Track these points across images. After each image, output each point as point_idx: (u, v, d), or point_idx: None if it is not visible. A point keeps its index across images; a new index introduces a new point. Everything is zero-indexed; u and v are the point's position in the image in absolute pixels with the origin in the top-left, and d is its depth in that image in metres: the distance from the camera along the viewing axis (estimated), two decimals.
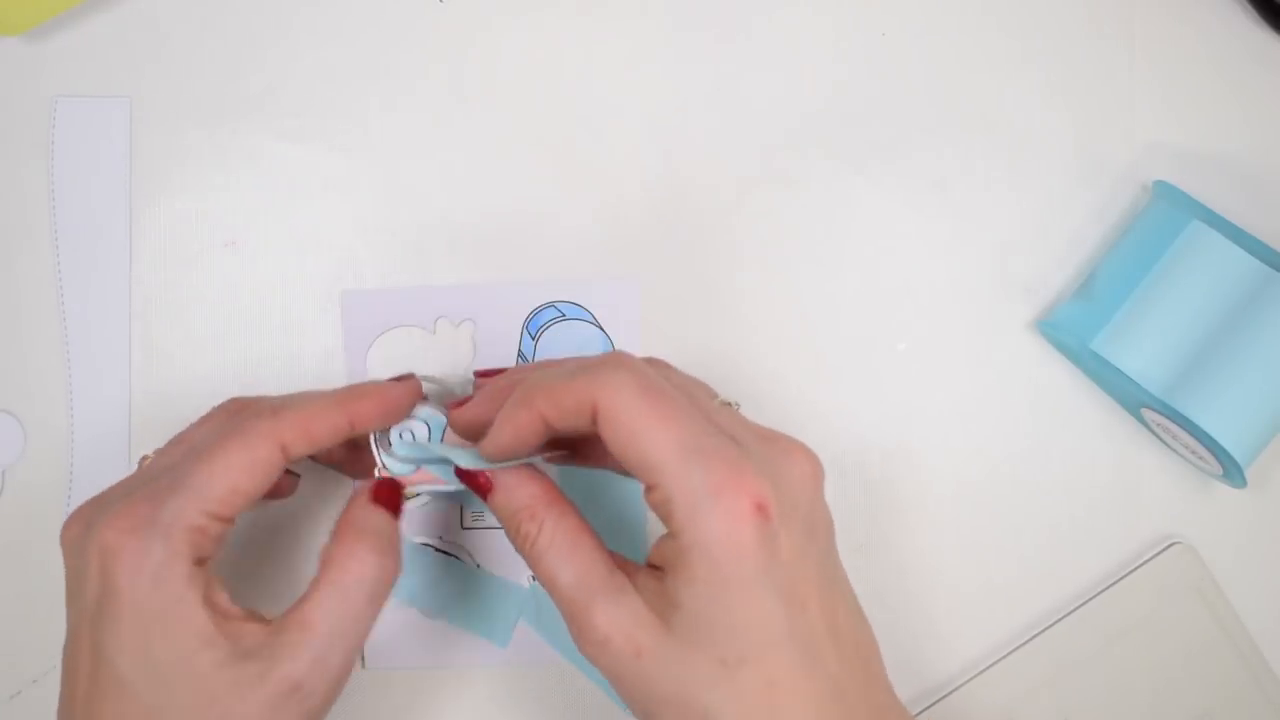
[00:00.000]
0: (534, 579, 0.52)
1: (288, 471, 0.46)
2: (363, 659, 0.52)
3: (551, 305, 0.52)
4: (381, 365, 0.52)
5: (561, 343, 0.51)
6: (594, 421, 0.38)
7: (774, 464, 0.38)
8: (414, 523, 0.52)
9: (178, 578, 0.38)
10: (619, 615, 0.37)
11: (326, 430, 0.42)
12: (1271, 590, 0.52)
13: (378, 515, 0.42)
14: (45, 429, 0.52)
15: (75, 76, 0.52)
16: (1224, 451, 0.47)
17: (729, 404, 0.41)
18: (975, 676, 0.51)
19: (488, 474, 0.41)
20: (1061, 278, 0.53)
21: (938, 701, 0.51)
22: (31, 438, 0.52)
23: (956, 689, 0.51)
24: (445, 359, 0.52)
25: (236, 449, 0.40)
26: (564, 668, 0.52)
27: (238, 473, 0.40)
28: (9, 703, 0.51)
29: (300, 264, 0.52)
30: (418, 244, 0.52)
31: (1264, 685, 0.51)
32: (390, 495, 0.43)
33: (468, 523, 0.52)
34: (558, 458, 0.45)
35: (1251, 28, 0.54)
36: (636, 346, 0.52)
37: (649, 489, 0.37)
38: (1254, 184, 0.53)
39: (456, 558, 0.52)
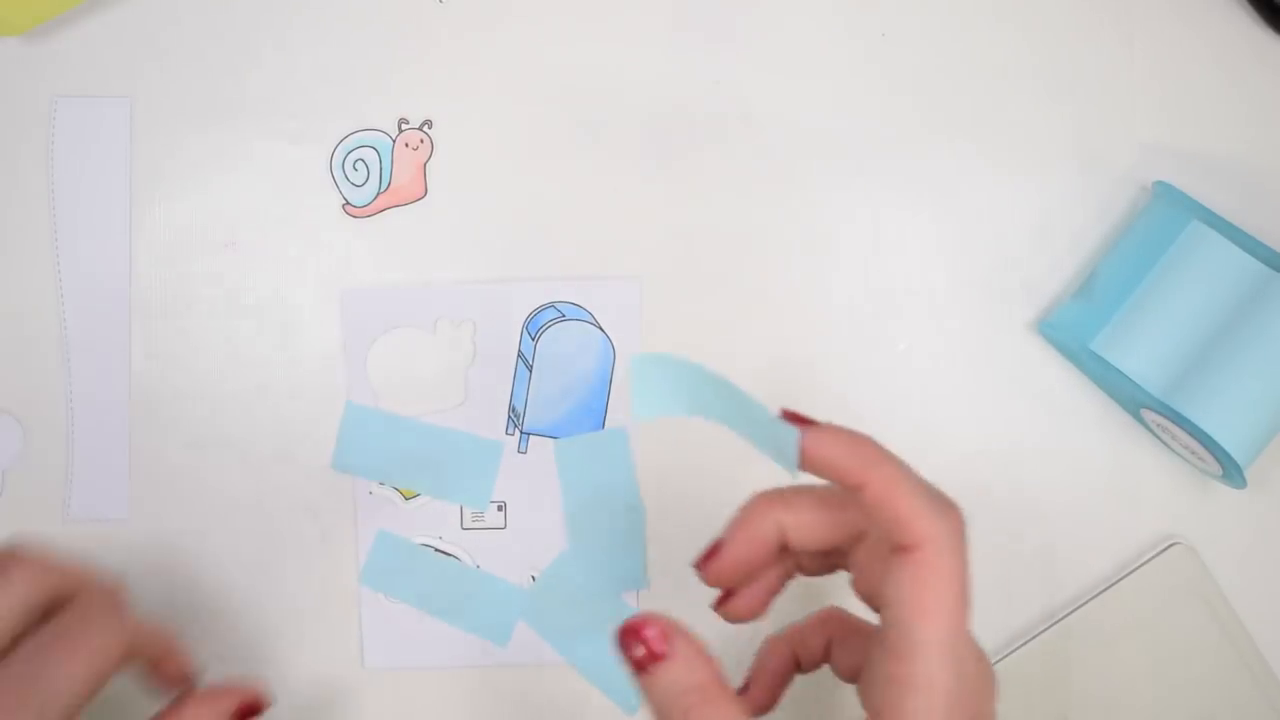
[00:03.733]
0: (534, 578, 0.52)
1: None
2: (362, 659, 0.52)
3: (551, 305, 0.52)
4: (382, 366, 0.52)
5: (561, 343, 0.51)
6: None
7: (984, 681, 0.37)
8: (414, 523, 0.52)
9: None
10: None
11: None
12: (1272, 591, 0.52)
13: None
14: (45, 429, 0.52)
15: (75, 76, 0.52)
16: (1224, 452, 0.47)
17: None
18: None
19: (662, 641, 0.36)
20: (1061, 278, 0.53)
21: None
22: (31, 438, 0.52)
23: None
24: (444, 359, 0.52)
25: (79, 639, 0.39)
26: (563, 668, 0.52)
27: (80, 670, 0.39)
28: None
29: (300, 264, 0.52)
30: (417, 244, 0.52)
31: (1264, 686, 0.51)
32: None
33: (467, 523, 0.52)
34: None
35: (1251, 28, 0.54)
36: (636, 347, 0.52)
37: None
38: (1254, 184, 0.53)
39: (456, 558, 0.52)
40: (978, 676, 0.36)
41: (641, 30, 0.53)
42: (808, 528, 0.39)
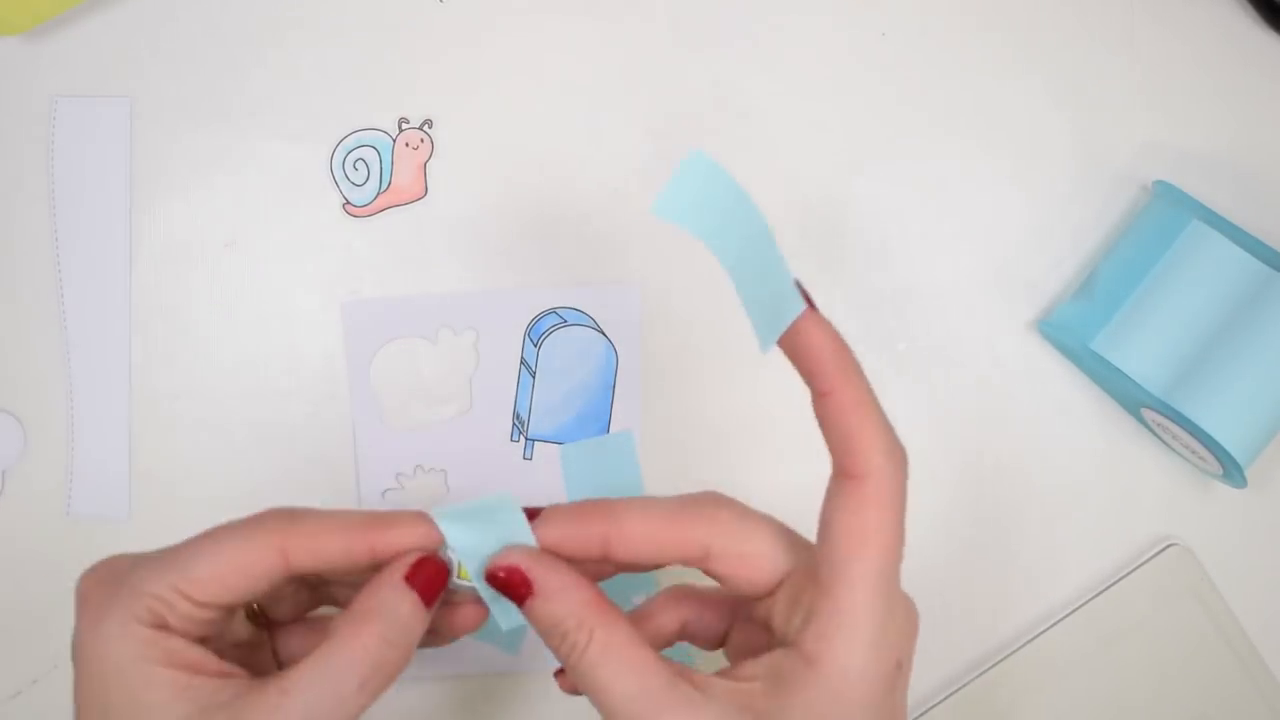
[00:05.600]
0: None
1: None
2: None
3: (553, 311, 0.52)
4: (385, 377, 0.51)
5: (563, 348, 0.51)
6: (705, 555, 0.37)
7: (910, 623, 0.38)
8: None
9: (132, 638, 0.36)
10: None
11: (339, 550, 0.38)
12: (1269, 591, 0.52)
13: (402, 598, 0.37)
14: (45, 429, 0.52)
15: (75, 76, 0.52)
16: (1224, 451, 0.47)
17: None
18: (975, 678, 0.51)
19: (527, 576, 0.38)
20: (1061, 278, 0.53)
21: (938, 703, 0.51)
22: (31, 438, 0.52)
23: (956, 690, 0.51)
24: (448, 367, 0.52)
25: (232, 538, 0.38)
26: None
27: (224, 563, 0.37)
28: (9, 702, 0.51)
29: (300, 263, 0.52)
30: (418, 244, 0.52)
31: (1261, 687, 0.51)
32: (428, 578, 0.38)
33: None
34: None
35: (1251, 28, 0.54)
36: (637, 350, 0.52)
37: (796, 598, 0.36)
38: (1254, 184, 0.53)
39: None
40: (906, 621, 0.37)
41: (642, 31, 0.53)
42: (707, 624, 0.41)
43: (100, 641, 0.36)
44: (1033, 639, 0.51)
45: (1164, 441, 0.52)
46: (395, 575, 0.38)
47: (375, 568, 0.38)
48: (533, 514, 0.39)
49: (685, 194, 0.37)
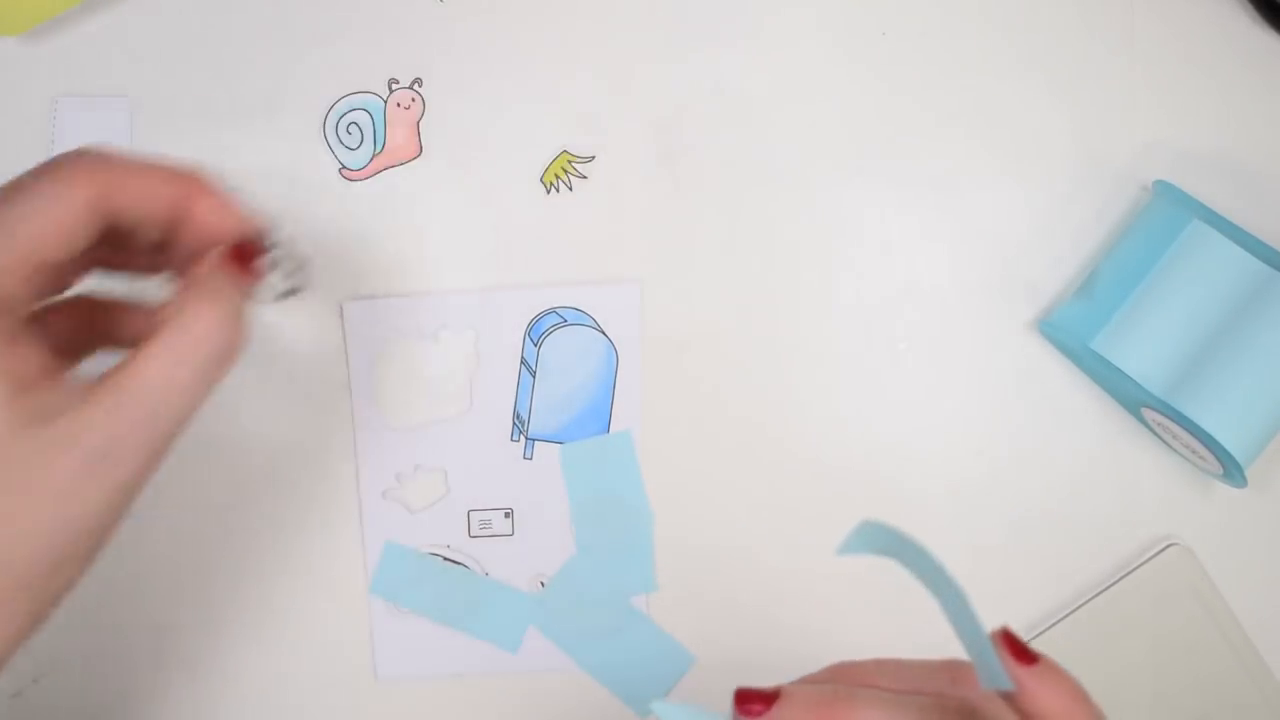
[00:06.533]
0: (543, 584, 0.52)
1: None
2: (375, 670, 0.51)
3: (553, 311, 0.52)
4: (385, 377, 0.52)
5: (563, 348, 0.51)
6: None
7: None
8: (421, 532, 0.52)
9: None
10: None
11: (156, 191, 0.38)
12: (1269, 591, 0.52)
13: (228, 278, 0.38)
14: None
15: (75, 76, 0.52)
16: (1224, 451, 0.47)
17: None
18: None
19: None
20: (1062, 278, 0.53)
21: None
22: None
23: None
24: (448, 367, 0.52)
25: (48, 189, 0.36)
26: (574, 672, 0.52)
27: (44, 218, 0.35)
28: (10, 702, 0.51)
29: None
30: (418, 246, 0.52)
31: (1261, 686, 0.51)
32: (245, 258, 0.39)
33: (475, 531, 0.52)
34: None
35: (1251, 28, 0.54)
36: (638, 350, 0.52)
37: None
38: (1254, 184, 0.53)
39: (465, 566, 0.52)
40: None
41: (642, 30, 0.53)
42: None
43: None
44: (1032, 639, 0.51)
45: (1164, 441, 0.52)
46: (216, 260, 0.38)
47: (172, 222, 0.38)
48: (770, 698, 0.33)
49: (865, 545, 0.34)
